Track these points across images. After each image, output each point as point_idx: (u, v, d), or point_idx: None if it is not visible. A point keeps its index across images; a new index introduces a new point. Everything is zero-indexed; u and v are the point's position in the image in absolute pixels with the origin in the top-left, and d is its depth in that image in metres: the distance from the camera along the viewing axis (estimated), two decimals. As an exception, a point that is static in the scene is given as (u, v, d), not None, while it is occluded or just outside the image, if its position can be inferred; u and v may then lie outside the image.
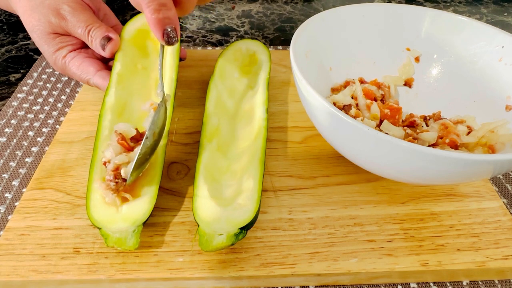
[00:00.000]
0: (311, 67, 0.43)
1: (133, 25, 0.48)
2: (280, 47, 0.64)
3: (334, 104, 0.42)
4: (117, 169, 0.35)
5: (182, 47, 0.55)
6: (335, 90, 0.46)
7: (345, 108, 0.42)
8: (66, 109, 0.50)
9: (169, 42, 0.37)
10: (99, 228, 0.33)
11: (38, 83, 0.54)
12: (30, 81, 0.54)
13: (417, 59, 0.48)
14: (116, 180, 0.34)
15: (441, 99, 0.46)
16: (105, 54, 0.45)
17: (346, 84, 0.46)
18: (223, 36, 0.69)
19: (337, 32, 0.46)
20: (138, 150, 0.34)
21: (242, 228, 0.32)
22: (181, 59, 0.52)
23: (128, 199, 0.35)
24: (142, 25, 0.48)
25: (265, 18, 0.75)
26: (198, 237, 0.33)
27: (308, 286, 0.34)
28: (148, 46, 0.49)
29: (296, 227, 0.36)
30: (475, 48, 0.45)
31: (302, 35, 0.41)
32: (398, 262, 0.34)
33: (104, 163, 0.36)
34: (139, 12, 0.73)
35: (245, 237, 0.34)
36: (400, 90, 0.48)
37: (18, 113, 0.49)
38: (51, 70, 0.56)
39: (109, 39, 0.44)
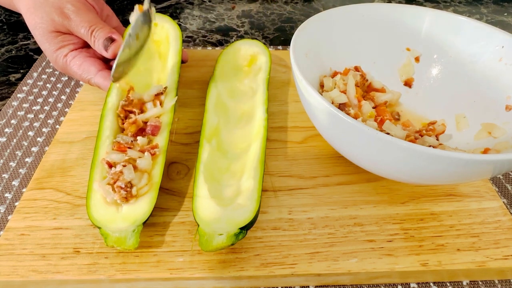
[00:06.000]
0: (311, 67, 0.43)
1: None
2: (280, 47, 0.64)
3: (332, 103, 0.42)
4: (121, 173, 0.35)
5: (184, 50, 0.55)
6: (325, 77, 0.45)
7: (341, 107, 0.41)
8: (66, 109, 0.50)
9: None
10: (99, 228, 0.33)
11: (38, 83, 0.54)
12: (30, 81, 0.54)
13: (417, 59, 0.48)
14: (127, 189, 0.34)
15: (441, 99, 0.46)
16: (108, 55, 0.45)
17: (334, 75, 0.45)
18: (223, 36, 0.69)
19: (337, 32, 0.46)
20: (121, 47, 0.38)
21: (242, 228, 0.32)
22: (183, 62, 0.52)
23: (129, 200, 0.35)
24: None
25: (265, 18, 0.75)
26: (198, 237, 0.33)
27: (308, 286, 0.34)
28: (150, 47, 0.49)
29: (296, 227, 0.36)
30: (475, 48, 0.45)
31: (302, 35, 0.41)
32: (398, 262, 0.34)
33: (109, 164, 0.36)
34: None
35: (245, 237, 0.34)
36: (400, 90, 0.48)
37: (18, 113, 0.49)
38: (51, 70, 0.56)
39: (112, 40, 0.44)
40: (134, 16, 0.41)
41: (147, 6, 0.42)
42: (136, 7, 0.42)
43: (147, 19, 0.42)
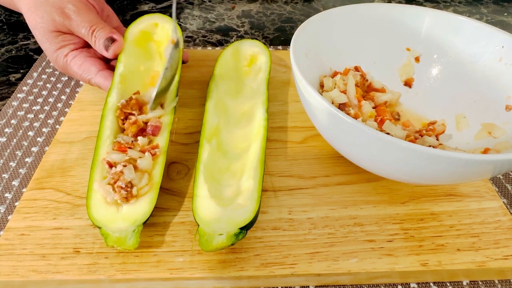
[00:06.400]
0: (311, 67, 0.43)
1: (137, 27, 0.48)
2: (280, 47, 0.64)
3: (332, 102, 0.42)
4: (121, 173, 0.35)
5: (184, 50, 0.55)
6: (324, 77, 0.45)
7: (341, 107, 0.41)
8: (66, 109, 0.50)
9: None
10: (99, 228, 0.33)
11: (38, 83, 0.54)
12: (30, 81, 0.54)
13: (417, 59, 0.48)
14: (128, 189, 0.34)
15: (441, 99, 0.46)
16: (108, 55, 0.45)
17: (334, 75, 0.46)
18: (223, 36, 0.69)
19: (337, 32, 0.46)
20: (159, 80, 0.41)
21: (242, 228, 0.32)
22: (183, 62, 0.52)
23: (129, 200, 0.35)
24: (146, 27, 0.48)
25: (265, 18, 0.75)
26: (198, 237, 0.33)
27: (308, 286, 0.34)
28: (151, 47, 0.49)
29: (296, 227, 0.36)
30: (475, 48, 0.45)
31: (302, 35, 0.41)
32: (398, 262, 0.34)
33: (109, 164, 0.36)
34: (139, 13, 0.73)
35: (245, 237, 0.34)
36: (400, 90, 0.48)
37: (18, 113, 0.49)
38: (51, 70, 0.56)
39: (112, 40, 0.44)
40: (168, 50, 0.44)
41: (176, 36, 0.45)
42: (169, 40, 0.45)
43: (177, 47, 0.45)
